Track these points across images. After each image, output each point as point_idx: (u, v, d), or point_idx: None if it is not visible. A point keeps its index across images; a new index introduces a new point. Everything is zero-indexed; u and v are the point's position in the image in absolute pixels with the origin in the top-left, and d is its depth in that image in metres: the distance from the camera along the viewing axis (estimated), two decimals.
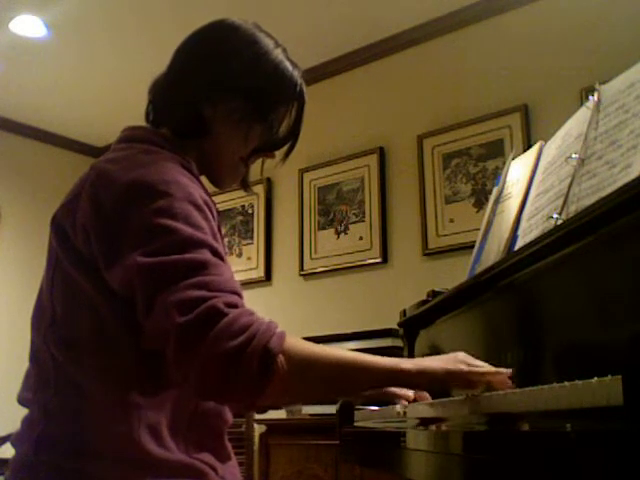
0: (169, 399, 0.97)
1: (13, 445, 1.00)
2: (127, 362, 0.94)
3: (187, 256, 0.86)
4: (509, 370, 0.94)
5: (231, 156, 1.12)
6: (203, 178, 1.11)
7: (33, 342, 1.02)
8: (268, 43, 1.12)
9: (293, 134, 1.15)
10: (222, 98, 1.09)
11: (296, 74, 1.13)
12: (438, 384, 0.94)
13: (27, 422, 1.00)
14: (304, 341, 0.89)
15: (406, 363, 0.92)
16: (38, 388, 0.99)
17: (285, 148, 1.16)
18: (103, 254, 0.92)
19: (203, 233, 0.90)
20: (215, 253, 0.90)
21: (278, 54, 1.12)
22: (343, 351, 0.91)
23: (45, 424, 0.95)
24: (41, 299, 1.03)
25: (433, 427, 1.04)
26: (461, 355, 0.96)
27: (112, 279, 0.91)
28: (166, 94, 1.12)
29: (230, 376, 0.80)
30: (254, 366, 0.80)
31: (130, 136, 1.08)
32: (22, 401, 1.02)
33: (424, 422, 1.09)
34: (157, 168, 0.95)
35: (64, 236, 0.98)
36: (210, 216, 0.96)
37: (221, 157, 1.12)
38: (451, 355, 0.96)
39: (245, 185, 1.20)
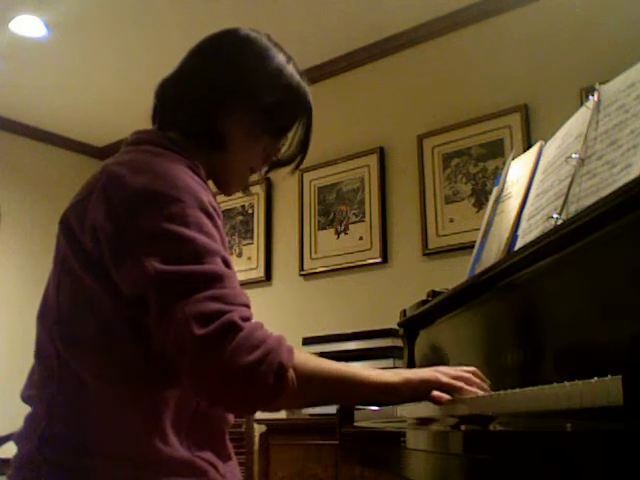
0: (172, 397, 0.97)
1: (16, 443, 1.01)
2: (130, 360, 0.95)
3: (203, 267, 0.89)
4: (485, 387, 1.01)
5: (242, 167, 1.15)
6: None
7: (38, 339, 1.03)
8: (281, 58, 1.14)
9: (304, 146, 1.19)
10: (237, 111, 1.10)
11: (306, 87, 1.17)
12: (419, 394, 1.00)
13: (30, 419, 1.00)
14: (309, 355, 0.94)
15: (393, 377, 0.98)
16: (42, 385, 1.00)
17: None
18: (113, 255, 0.93)
19: (215, 242, 0.93)
20: (226, 263, 0.92)
21: (290, 69, 1.14)
22: (342, 365, 0.96)
23: (48, 421, 0.96)
24: (47, 297, 1.04)
25: (433, 428, 1.04)
26: (440, 367, 1.03)
27: (122, 280, 0.92)
28: (177, 101, 1.12)
29: (247, 388, 0.84)
30: (269, 380, 0.84)
31: (140, 139, 1.09)
32: (25, 398, 1.03)
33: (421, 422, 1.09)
34: (168, 172, 0.96)
35: (72, 235, 0.98)
36: (219, 222, 0.98)
37: (232, 167, 1.14)
38: (432, 367, 1.04)
39: (246, 188, 1.23)
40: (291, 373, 0.87)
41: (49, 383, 0.98)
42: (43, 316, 1.03)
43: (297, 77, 1.15)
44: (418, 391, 0.99)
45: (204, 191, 0.98)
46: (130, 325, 0.93)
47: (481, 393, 0.97)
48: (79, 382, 0.96)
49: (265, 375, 0.84)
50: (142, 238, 0.91)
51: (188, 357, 0.84)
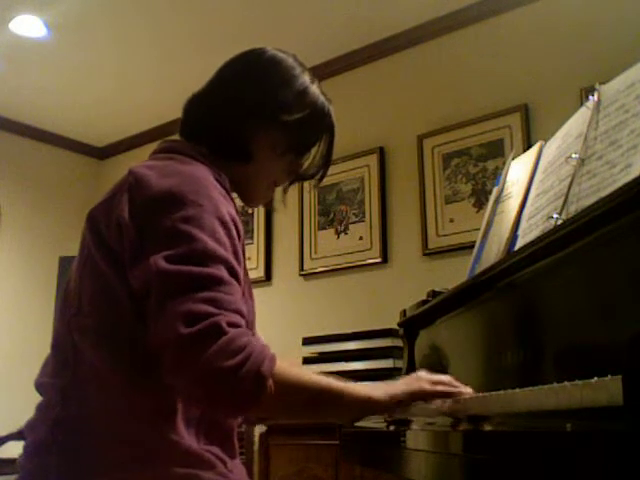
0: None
1: (26, 432, 1.03)
2: (143, 353, 0.97)
3: (205, 270, 0.91)
4: (468, 391, 1.03)
5: (266, 181, 1.21)
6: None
7: (56, 331, 1.07)
8: (306, 78, 1.20)
9: (326, 162, 1.25)
10: (263, 128, 1.16)
11: (330, 107, 1.22)
12: (404, 406, 1.03)
13: (43, 406, 1.04)
14: (292, 366, 0.95)
15: (377, 392, 1.00)
16: (57, 374, 1.03)
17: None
18: (130, 253, 0.96)
19: (224, 249, 0.95)
20: (231, 271, 0.94)
21: (315, 88, 1.20)
22: (326, 380, 0.97)
23: (62, 406, 0.99)
24: (67, 292, 1.08)
25: (433, 428, 1.04)
26: (422, 373, 1.07)
27: (133, 277, 0.96)
28: (205, 116, 1.17)
29: (223, 391, 0.86)
30: (246, 386, 0.86)
31: (169, 147, 1.14)
32: (38, 386, 1.07)
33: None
34: (192, 179, 1.01)
35: (98, 231, 1.02)
36: (235, 233, 1.00)
37: (256, 181, 1.20)
38: (413, 375, 1.07)
39: (269, 203, 1.29)
40: (270, 382, 0.88)
41: (64, 372, 1.02)
42: (63, 308, 1.07)
43: (321, 97, 1.20)
44: (403, 404, 1.02)
45: (225, 201, 1.02)
46: (144, 320, 0.96)
47: (469, 393, 0.99)
48: (93, 371, 0.99)
49: (243, 380, 0.85)
50: (157, 237, 0.94)
51: (169, 354, 0.87)
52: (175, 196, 0.96)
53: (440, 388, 1.02)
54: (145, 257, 0.93)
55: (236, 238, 1.00)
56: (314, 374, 0.96)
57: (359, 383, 1.01)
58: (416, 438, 1.08)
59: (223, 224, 0.98)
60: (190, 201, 0.96)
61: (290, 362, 0.95)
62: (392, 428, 1.18)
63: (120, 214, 0.98)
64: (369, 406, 1.00)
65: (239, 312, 0.91)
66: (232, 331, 0.87)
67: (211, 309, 0.87)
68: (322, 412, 1.03)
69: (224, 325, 0.87)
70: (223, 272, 0.92)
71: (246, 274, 1.05)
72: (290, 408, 0.96)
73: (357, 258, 3.27)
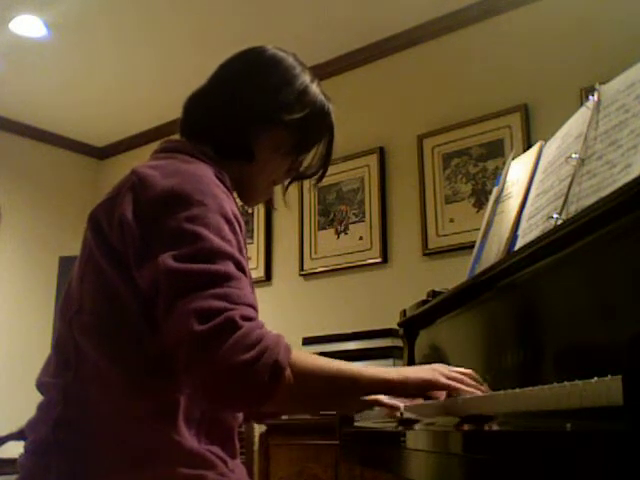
0: (184, 390, 0.99)
1: (27, 431, 1.04)
2: (146, 352, 0.98)
3: (213, 267, 0.91)
4: (482, 389, 1.03)
5: (267, 181, 1.22)
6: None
7: (58, 330, 1.07)
8: (306, 77, 1.20)
9: (325, 161, 1.25)
10: (264, 128, 1.16)
11: (330, 106, 1.22)
12: (416, 392, 1.03)
13: (44, 406, 1.04)
14: (307, 354, 0.96)
15: (391, 373, 1.00)
16: (58, 373, 1.03)
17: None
18: (135, 253, 0.96)
19: (230, 246, 0.96)
20: (238, 266, 0.95)
21: (315, 87, 1.20)
22: (339, 363, 0.97)
23: (64, 405, 0.99)
24: (69, 291, 1.08)
25: (433, 428, 1.04)
26: (438, 365, 1.05)
27: (141, 277, 0.96)
28: (206, 116, 1.18)
29: (241, 385, 0.86)
30: (265, 378, 0.86)
31: (170, 147, 1.14)
32: (39, 386, 1.07)
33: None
34: (195, 178, 1.01)
35: (100, 231, 1.02)
36: (238, 230, 1.01)
37: (258, 181, 1.21)
38: (429, 365, 1.06)
39: (271, 203, 1.31)
40: (288, 372, 0.88)
41: (66, 371, 1.02)
42: (64, 308, 1.07)
43: (321, 96, 1.21)
44: (416, 390, 1.02)
45: (227, 199, 1.03)
46: (147, 320, 0.96)
47: (478, 393, 0.98)
48: (95, 370, 0.99)
49: (260, 373, 0.85)
50: (162, 237, 0.95)
51: (184, 352, 0.87)
52: (180, 196, 0.97)
53: (453, 384, 1.01)
54: (152, 257, 0.93)
55: (240, 234, 1.01)
56: (329, 359, 0.97)
57: (374, 367, 1.01)
58: (416, 438, 1.08)
59: (227, 221, 0.98)
60: (195, 200, 0.96)
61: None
62: (400, 428, 1.17)
63: (123, 213, 0.98)
64: (385, 388, 0.99)
65: (251, 305, 0.92)
66: (246, 324, 0.87)
67: (224, 304, 0.88)
68: (340, 397, 1.02)
69: (238, 319, 0.87)
70: (231, 268, 0.93)
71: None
72: (309, 395, 0.96)
73: (357, 258, 3.27)
